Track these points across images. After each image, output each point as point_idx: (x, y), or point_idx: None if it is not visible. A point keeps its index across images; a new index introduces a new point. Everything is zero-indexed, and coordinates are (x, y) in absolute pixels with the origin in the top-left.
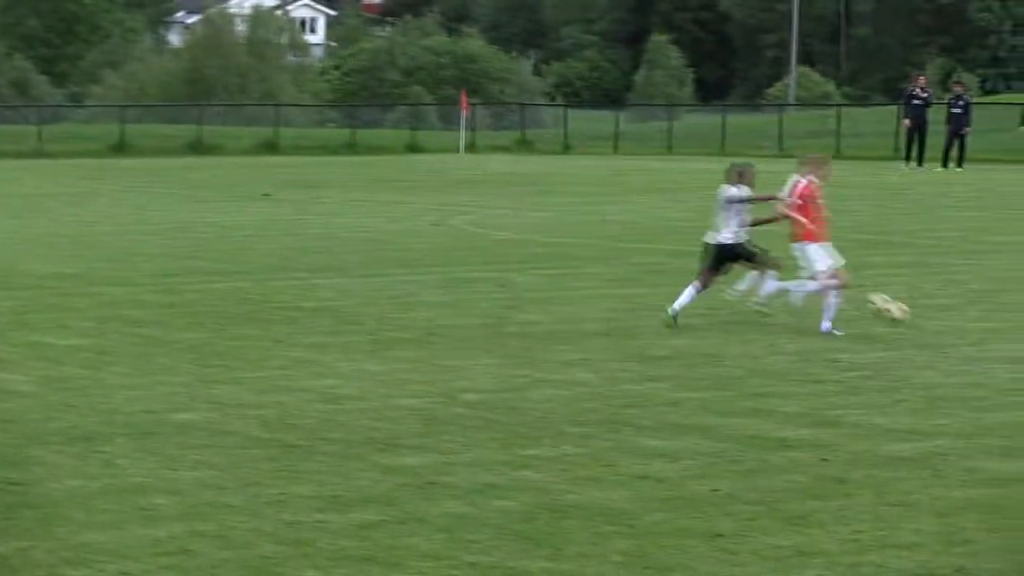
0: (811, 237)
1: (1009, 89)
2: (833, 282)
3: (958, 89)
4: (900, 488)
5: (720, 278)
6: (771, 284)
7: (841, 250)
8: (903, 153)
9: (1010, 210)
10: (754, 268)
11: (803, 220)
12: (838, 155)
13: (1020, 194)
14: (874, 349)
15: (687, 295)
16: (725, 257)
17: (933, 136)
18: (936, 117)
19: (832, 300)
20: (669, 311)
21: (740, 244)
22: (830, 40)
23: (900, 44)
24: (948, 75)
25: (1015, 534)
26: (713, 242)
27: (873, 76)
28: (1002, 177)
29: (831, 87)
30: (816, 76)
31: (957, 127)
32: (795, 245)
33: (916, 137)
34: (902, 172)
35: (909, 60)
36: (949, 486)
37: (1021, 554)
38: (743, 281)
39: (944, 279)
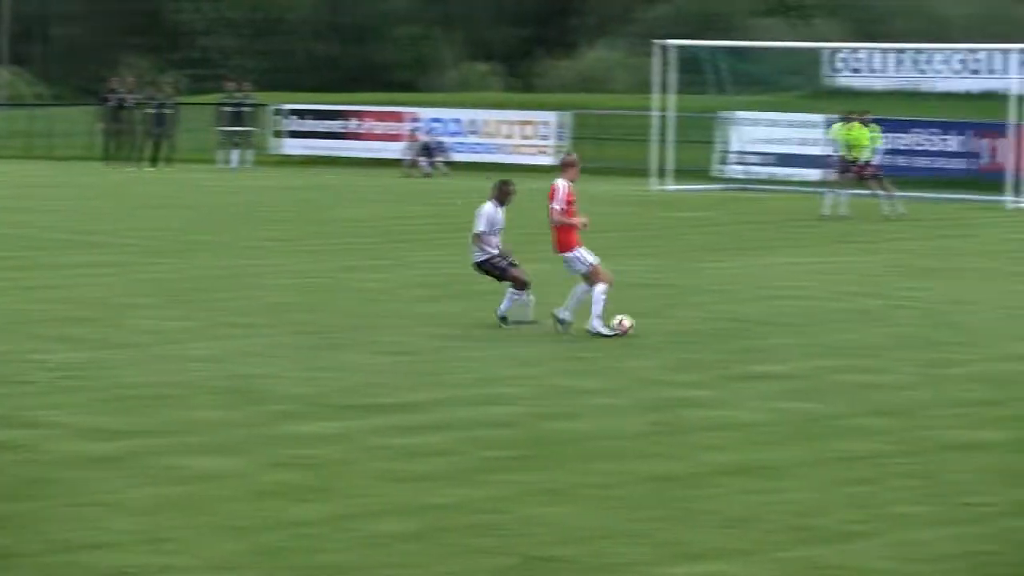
0: (576, 243)
1: (208, 89)
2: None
3: (161, 90)
4: (103, 488)
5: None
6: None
7: (42, 250)
8: (117, 153)
9: (211, 209)
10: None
11: (578, 224)
12: (42, 156)
13: (222, 192)
14: (77, 349)
15: (508, 300)
16: (487, 272)
17: (140, 136)
18: (143, 117)
19: (581, 293)
20: (497, 312)
21: (491, 259)
22: (37, 40)
23: (105, 45)
24: (151, 76)
25: (213, 530)
26: (475, 261)
27: (78, 76)
28: (203, 176)
29: (35, 88)
30: (19, 76)
31: (158, 127)
32: (565, 255)
33: (123, 138)
34: (122, 172)
35: (114, 61)
36: (150, 484)
37: (216, 548)
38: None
39: (147, 278)
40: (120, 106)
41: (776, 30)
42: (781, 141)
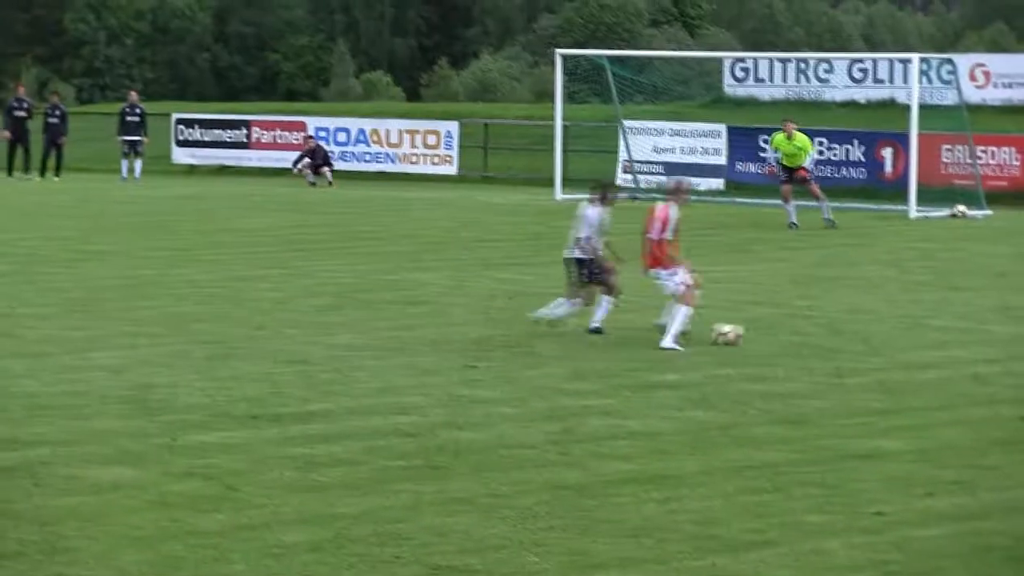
0: (677, 263)
1: (105, 99)
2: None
3: (54, 99)
4: (4, 497)
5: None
6: (567, 307)
7: None
8: (6, 164)
9: (108, 218)
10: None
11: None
12: None
13: (118, 201)
14: None
15: (564, 308)
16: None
17: (33, 145)
18: (35, 127)
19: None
20: (537, 315)
21: (590, 260)
22: None
23: (2, 54)
24: (44, 85)
25: (115, 540)
26: (570, 256)
27: None
28: (99, 186)
29: None
30: None
31: (54, 136)
32: (659, 271)
33: (18, 147)
34: (19, 182)
35: (5, 70)
36: (50, 495)
37: (119, 558)
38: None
39: (43, 287)
40: (24, 116)
41: (676, 39)
42: (681, 150)
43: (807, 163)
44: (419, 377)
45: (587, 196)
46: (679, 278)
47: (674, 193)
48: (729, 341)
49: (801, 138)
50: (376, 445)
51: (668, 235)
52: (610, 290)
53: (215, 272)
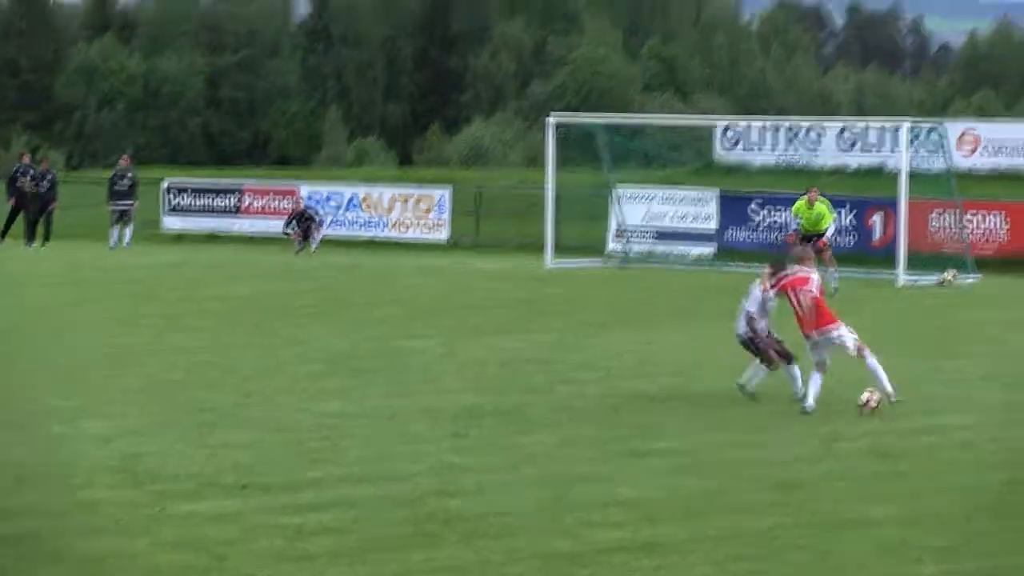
0: (834, 319)
1: (95, 165)
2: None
3: (44, 165)
4: None
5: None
6: (759, 373)
7: None
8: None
9: (96, 286)
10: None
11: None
12: None
13: (107, 269)
14: None
15: (797, 380)
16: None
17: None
18: (33, 195)
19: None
20: (806, 406)
21: (749, 336)
22: None
23: None
24: (35, 151)
25: None
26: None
27: None
28: (88, 253)
29: None
30: None
31: (44, 203)
32: (828, 329)
33: (20, 215)
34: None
35: (6, 137)
36: (39, 565)
37: None
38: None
39: (32, 356)
40: (29, 182)
41: (668, 105)
42: (672, 216)
43: (827, 232)
44: (409, 445)
45: (760, 271)
46: (845, 331)
47: (803, 260)
48: (871, 407)
49: (820, 207)
50: (365, 514)
51: (814, 289)
52: (769, 363)
53: (203, 339)
